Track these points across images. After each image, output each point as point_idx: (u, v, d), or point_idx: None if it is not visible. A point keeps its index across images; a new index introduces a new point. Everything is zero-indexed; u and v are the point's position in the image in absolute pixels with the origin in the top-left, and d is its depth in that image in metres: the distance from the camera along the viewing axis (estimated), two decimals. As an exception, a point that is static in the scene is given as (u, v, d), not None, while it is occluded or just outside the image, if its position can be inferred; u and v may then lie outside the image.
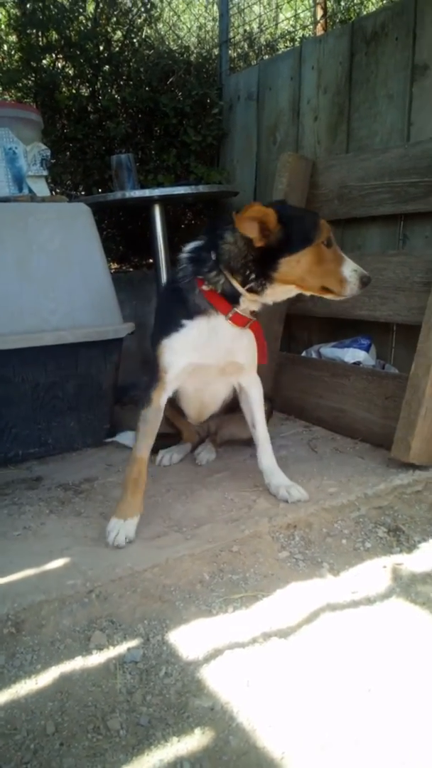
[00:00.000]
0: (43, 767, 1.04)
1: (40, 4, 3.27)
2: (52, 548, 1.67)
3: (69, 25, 3.35)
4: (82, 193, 3.64)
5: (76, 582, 1.48)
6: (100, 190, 3.54)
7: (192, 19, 4.33)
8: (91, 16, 3.46)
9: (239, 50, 4.08)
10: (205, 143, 3.49)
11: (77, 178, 3.63)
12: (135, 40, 3.58)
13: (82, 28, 3.39)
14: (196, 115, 3.48)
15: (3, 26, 3.48)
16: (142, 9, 3.57)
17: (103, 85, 3.47)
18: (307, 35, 4.12)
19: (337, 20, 4.04)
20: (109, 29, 3.51)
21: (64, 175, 3.60)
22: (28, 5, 3.27)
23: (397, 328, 2.55)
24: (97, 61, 3.39)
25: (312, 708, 1.12)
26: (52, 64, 3.46)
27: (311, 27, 3.85)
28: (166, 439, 2.29)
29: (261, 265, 1.67)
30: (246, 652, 1.27)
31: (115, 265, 4.00)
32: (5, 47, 3.49)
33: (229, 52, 3.68)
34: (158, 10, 3.67)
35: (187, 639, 1.32)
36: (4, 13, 3.50)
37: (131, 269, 4.04)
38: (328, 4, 3.82)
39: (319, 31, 3.54)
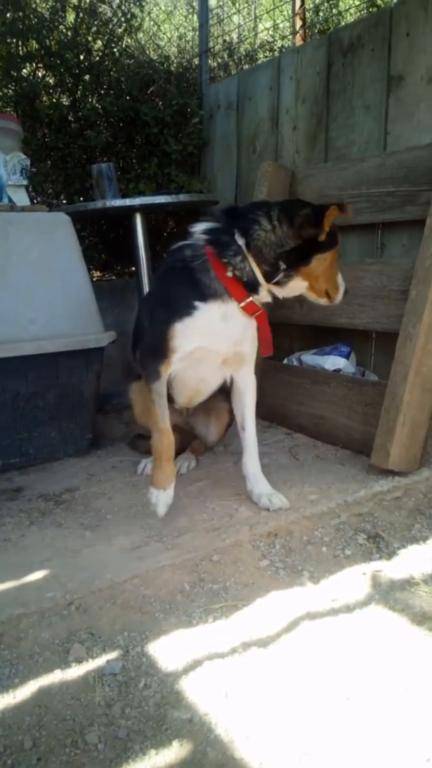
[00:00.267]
0: (20, 783, 1.04)
1: (20, 14, 3.27)
2: (32, 560, 1.66)
3: (49, 34, 3.36)
4: (64, 201, 3.64)
5: (56, 594, 1.47)
6: (81, 199, 3.54)
7: (172, 29, 4.36)
8: (71, 25, 3.47)
9: (219, 60, 4.11)
10: (185, 152, 3.51)
11: (58, 187, 3.63)
12: (115, 50, 3.60)
13: (62, 38, 3.40)
14: (177, 125, 3.50)
15: (-18, 36, 3.48)
16: (122, 19, 3.59)
17: (83, 95, 3.48)
18: (286, 45, 4.16)
19: (316, 30, 4.08)
20: (89, 39, 3.53)
21: (45, 183, 3.60)
22: (7, 15, 3.27)
23: (376, 335, 2.58)
24: (77, 71, 3.40)
25: (290, 718, 1.13)
26: (32, 74, 3.46)
27: (290, 37, 3.88)
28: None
29: (296, 257, 1.72)
30: (225, 663, 1.27)
31: (97, 273, 3.99)
32: (-15, 57, 3.48)
33: (209, 61, 3.71)
34: (138, 19, 3.69)
35: (167, 650, 1.32)
36: (-17, 22, 3.50)
37: (113, 277, 4.04)
38: (307, 14, 3.86)
39: (298, 41, 3.58)
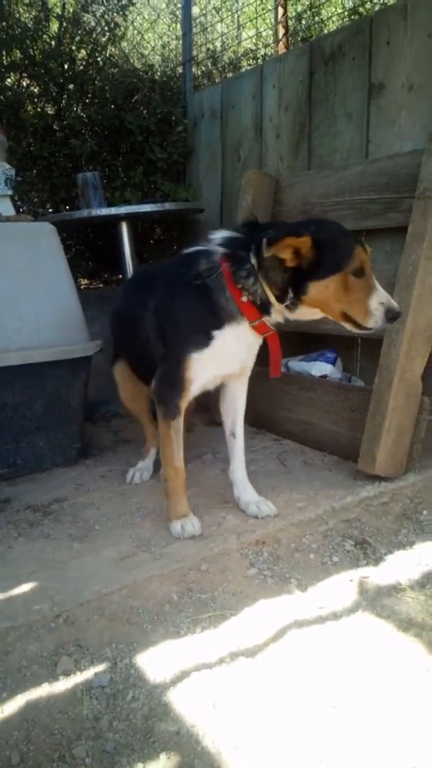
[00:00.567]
0: (8, 800, 1.03)
1: (3, 24, 3.28)
2: (20, 572, 1.66)
3: (33, 44, 3.37)
4: (50, 210, 3.64)
5: (43, 607, 1.47)
6: (67, 208, 3.54)
7: (156, 38, 4.38)
8: (54, 35, 3.48)
9: (203, 68, 4.13)
10: (170, 160, 3.53)
11: (44, 196, 3.64)
12: (99, 59, 3.61)
13: (46, 47, 3.41)
14: (162, 133, 3.52)
15: (-34, 46, 3.48)
16: (106, 28, 3.60)
17: (68, 104, 3.49)
18: (269, 53, 4.19)
19: (299, 39, 4.12)
20: (73, 48, 3.54)
21: (31, 193, 3.60)
22: (-9, 25, 3.28)
23: (362, 341, 2.60)
24: (61, 80, 3.41)
25: (277, 727, 1.13)
26: (16, 83, 3.46)
27: (273, 45, 3.92)
28: None
29: (295, 284, 1.66)
30: (213, 673, 1.27)
31: (84, 282, 4.00)
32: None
33: (193, 70, 3.73)
34: (122, 29, 3.71)
35: (155, 662, 1.32)
36: (-34, 32, 3.50)
37: (101, 285, 4.04)
38: (290, 22, 3.89)
39: (281, 49, 3.61)
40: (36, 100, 3.50)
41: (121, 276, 3.49)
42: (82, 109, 3.52)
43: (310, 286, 1.64)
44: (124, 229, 3.13)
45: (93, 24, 3.64)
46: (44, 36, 3.44)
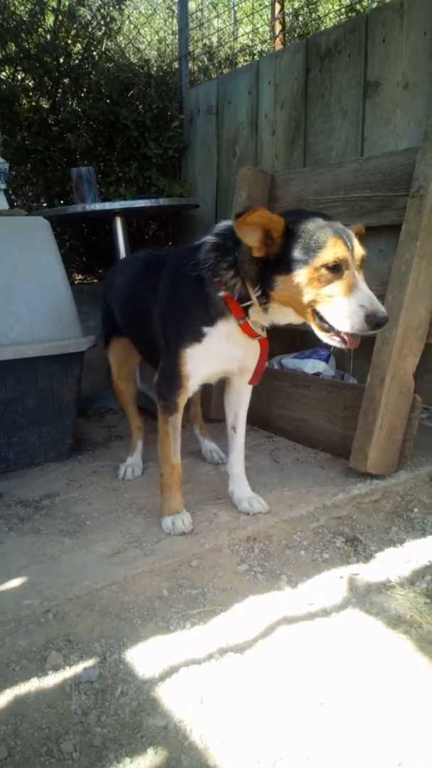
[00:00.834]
0: (-5, 794, 1.03)
1: (-1, 17, 3.26)
2: (10, 567, 1.65)
3: (28, 37, 3.35)
4: (44, 205, 3.63)
5: (33, 602, 1.47)
6: (62, 202, 3.53)
7: (152, 33, 4.36)
8: (50, 28, 3.47)
9: (199, 64, 4.12)
10: (166, 156, 3.52)
11: (38, 190, 3.62)
12: (95, 53, 3.60)
13: (41, 41, 3.39)
14: (157, 128, 3.51)
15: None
16: (102, 22, 3.59)
17: (63, 98, 3.48)
18: (266, 50, 4.18)
19: (296, 35, 4.11)
20: (68, 42, 3.52)
21: (25, 187, 3.59)
22: (-15, 17, 3.26)
23: (355, 338, 2.59)
24: (56, 74, 3.40)
25: (265, 723, 1.13)
26: (11, 76, 3.45)
27: (270, 41, 3.91)
28: None
29: (261, 279, 1.52)
30: (202, 669, 1.27)
31: (78, 277, 3.99)
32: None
33: (189, 65, 3.72)
34: (118, 23, 3.69)
35: (144, 657, 1.32)
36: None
37: (95, 280, 4.03)
38: (287, 19, 3.89)
39: (278, 45, 3.60)
40: (31, 93, 3.48)
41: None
42: (77, 104, 3.51)
43: (277, 281, 1.49)
44: (119, 224, 3.12)
45: (89, 18, 3.62)
46: (39, 29, 3.42)
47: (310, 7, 4.42)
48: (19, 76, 3.47)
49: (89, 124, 3.54)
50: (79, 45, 3.59)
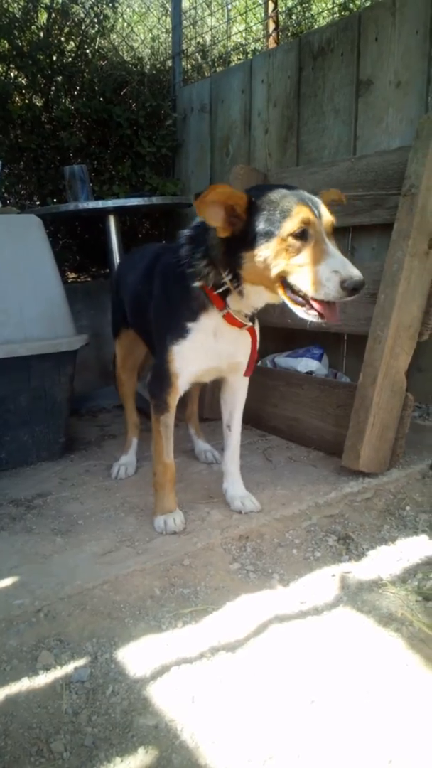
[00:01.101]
0: (-15, 794, 1.03)
1: (-9, 14, 3.25)
2: (1, 567, 1.65)
3: (21, 34, 3.34)
4: (37, 203, 3.62)
5: (24, 601, 1.47)
6: (55, 201, 3.52)
7: (145, 31, 4.35)
8: (43, 26, 3.45)
9: (192, 62, 4.11)
10: (159, 154, 3.51)
11: (31, 188, 3.61)
12: (88, 51, 3.59)
13: (34, 38, 3.37)
14: (151, 126, 3.50)
15: None
16: (95, 20, 3.58)
17: (56, 96, 3.46)
18: (259, 48, 4.18)
19: (289, 33, 4.10)
20: (62, 39, 3.51)
21: (18, 185, 3.57)
22: (-23, 15, 3.24)
23: (347, 338, 2.60)
24: (50, 72, 3.38)
25: (256, 722, 1.13)
26: (4, 74, 3.43)
27: (263, 40, 3.90)
28: None
29: (229, 260, 1.48)
30: (193, 668, 1.27)
31: (71, 275, 3.97)
32: None
33: (183, 63, 3.71)
34: (111, 21, 3.68)
35: (136, 656, 1.31)
36: None
37: (88, 279, 4.02)
38: (280, 17, 3.88)
39: (272, 44, 3.60)
40: (24, 91, 3.46)
41: (108, 270, 3.47)
42: (71, 102, 3.50)
43: (244, 258, 1.45)
44: (112, 222, 3.11)
45: (82, 15, 3.61)
46: (32, 27, 3.41)
47: (304, 5, 4.42)
48: (12, 74, 3.46)
49: (82, 122, 3.53)
50: (72, 43, 3.57)
